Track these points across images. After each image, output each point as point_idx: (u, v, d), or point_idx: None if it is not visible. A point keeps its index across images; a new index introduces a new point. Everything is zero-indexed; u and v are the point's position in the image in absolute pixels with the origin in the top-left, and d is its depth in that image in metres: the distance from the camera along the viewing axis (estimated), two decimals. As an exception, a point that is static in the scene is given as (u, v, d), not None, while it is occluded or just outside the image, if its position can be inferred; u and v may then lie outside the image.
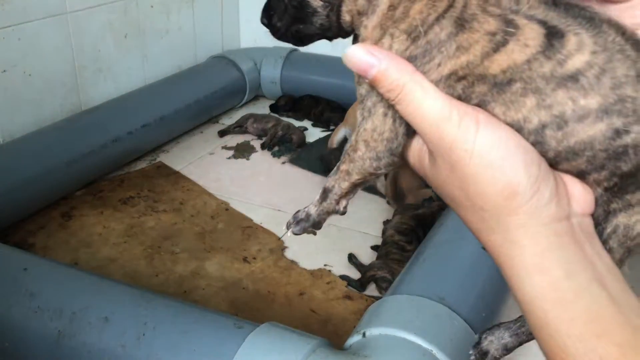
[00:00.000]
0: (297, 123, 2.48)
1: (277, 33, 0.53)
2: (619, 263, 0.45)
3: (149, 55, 2.41)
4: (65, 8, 1.99)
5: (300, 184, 2.06)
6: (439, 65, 0.42)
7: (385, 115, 0.45)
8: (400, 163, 0.48)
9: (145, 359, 1.04)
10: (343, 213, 0.52)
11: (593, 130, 0.41)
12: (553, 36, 0.41)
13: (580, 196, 0.43)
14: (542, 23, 0.41)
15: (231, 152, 2.28)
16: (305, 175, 2.11)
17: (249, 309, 1.44)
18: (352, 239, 1.73)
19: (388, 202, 1.87)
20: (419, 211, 1.68)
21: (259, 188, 2.01)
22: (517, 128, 0.42)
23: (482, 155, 0.41)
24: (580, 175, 0.43)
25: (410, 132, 0.46)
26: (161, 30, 2.46)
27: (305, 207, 0.53)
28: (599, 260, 0.42)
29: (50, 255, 1.60)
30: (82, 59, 2.10)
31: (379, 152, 0.47)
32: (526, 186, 0.41)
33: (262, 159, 2.24)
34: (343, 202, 0.51)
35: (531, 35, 0.41)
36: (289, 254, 1.66)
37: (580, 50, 0.40)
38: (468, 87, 0.42)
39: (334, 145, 2.18)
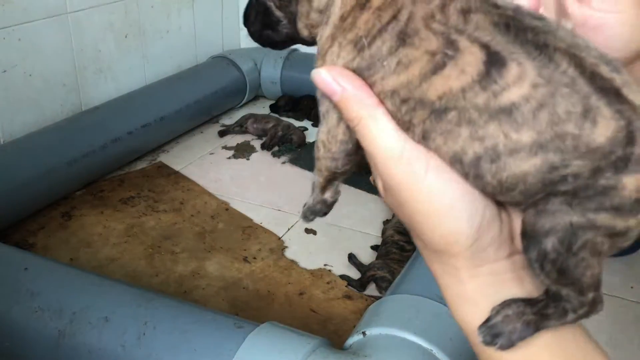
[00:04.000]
0: (297, 123, 2.48)
1: (252, 36, 0.55)
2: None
3: (149, 55, 2.41)
4: (66, 8, 1.99)
5: (300, 184, 2.06)
6: (383, 79, 0.41)
7: (340, 120, 0.46)
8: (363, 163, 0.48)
9: (145, 359, 1.04)
10: (333, 201, 0.53)
11: (527, 165, 0.38)
12: (493, 64, 0.38)
13: None
14: (485, 47, 0.38)
15: (231, 152, 2.28)
16: (305, 175, 2.11)
17: (249, 308, 1.44)
18: (352, 239, 1.73)
19: (388, 202, 1.87)
20: (419, 211, 1.68)
21: (259, 188, 2.01)
22: (458, 160, 0.40)
23: (429, 201, 0.41)
24: (517, 204, 0.42)
25: None
26: (161, 31, 2.46)
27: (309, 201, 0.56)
28: (537, 292, 0.43)
29: (50, 255, 1.60)
30: (83, 59, 2.10)
31: (334, 153, 0.48)
32: (467, 236, 0.42)
33: (262, 159, 2.24)
34: (327, 193, 0.52)
35: (469, 61, 0.38)
36: (289, 253, 1.66)
37: (519, 82, 0.38)
38: (411, 111, 0.40)
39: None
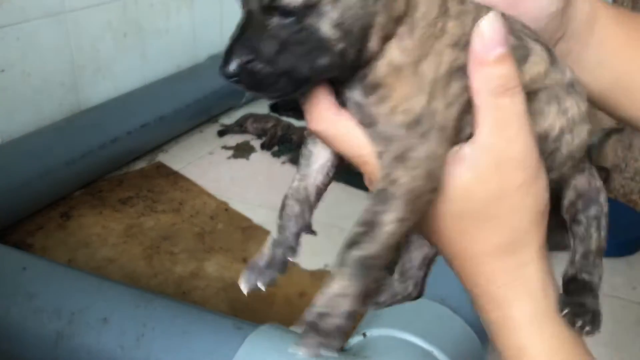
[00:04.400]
0: (297, 123, 2.47)
1: (262, 85, 0.41)
2: None
3: (148, 54, 2.41)
4: (64, 7, 1.98)
5: (300, 184, 2.05)
6: None
7: (442, 139, 0.41)
8: None
9: (144, 360, 1.03)
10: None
11: (585, 132, 0.47)
12: (550, 53, 0.46)
13: None
14: (538, 42, 0.46)
15: (231, 152, 2.27)
16: (305, 175, 2.10)
17: (249, 309, 1.44)
18: (352, 239, 1.73)
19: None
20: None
21: (259, 188, 2.01)
22: (545, 137, 0.45)
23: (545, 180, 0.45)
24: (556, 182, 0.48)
25: None
26: (160, 30, 2.45)
27: (319, 308, 0.40)
28: None
29: (49, 256, 1.59)
30: (81, 59, 2.10)
31: (438, 179, 0.42)
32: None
33: (262, 159, 2.23)
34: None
35: (539, 51, 0.46)
36: (288, 254, 1.65)
37: (566, 66, 0.47)
38: None
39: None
